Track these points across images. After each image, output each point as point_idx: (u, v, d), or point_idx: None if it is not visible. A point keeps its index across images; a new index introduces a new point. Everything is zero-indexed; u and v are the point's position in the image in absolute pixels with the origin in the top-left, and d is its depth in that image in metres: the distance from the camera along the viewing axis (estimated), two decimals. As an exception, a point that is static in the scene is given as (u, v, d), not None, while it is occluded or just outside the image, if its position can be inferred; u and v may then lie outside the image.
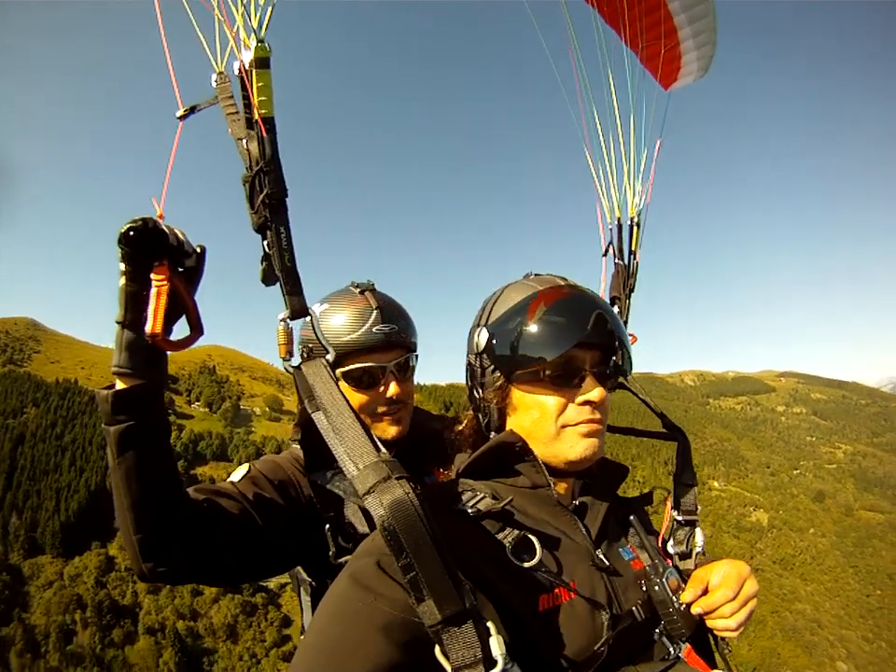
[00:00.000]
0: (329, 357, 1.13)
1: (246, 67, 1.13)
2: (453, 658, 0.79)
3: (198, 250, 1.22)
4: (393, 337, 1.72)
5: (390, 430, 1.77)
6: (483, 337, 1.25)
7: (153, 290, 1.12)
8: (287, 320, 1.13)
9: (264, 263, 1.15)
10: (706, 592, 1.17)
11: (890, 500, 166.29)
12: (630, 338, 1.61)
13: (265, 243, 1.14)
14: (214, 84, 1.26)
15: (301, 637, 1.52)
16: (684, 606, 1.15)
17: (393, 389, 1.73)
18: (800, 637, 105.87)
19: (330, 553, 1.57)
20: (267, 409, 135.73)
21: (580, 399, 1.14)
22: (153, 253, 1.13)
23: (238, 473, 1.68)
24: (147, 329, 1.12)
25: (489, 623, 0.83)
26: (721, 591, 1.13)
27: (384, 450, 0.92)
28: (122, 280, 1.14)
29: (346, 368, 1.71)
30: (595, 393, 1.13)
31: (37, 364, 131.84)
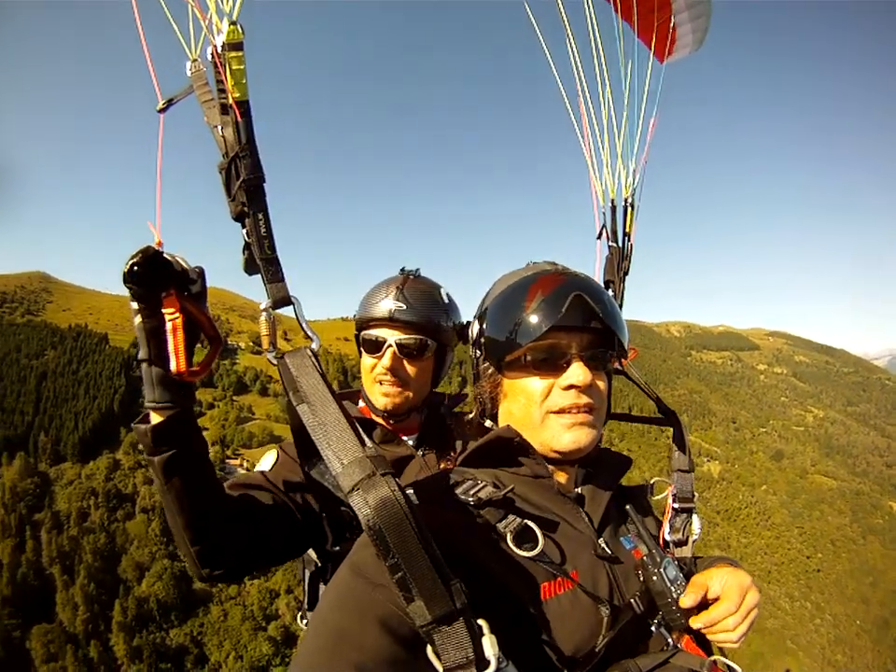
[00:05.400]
0: (315, 345, 1.04)
1: (219, 51, 1.06)
2: (444, 659, 0.74)
3: (198, 272, 1.16)
4: (397, 314, 1.72)
5: (380, 400, 1.78)
6: (474, 328, 1.24)
7: (168, 326, 1.08)
8: (270, 309, 1.06)
9: (246, 252, 1.09)
10: (705, 597, 1.08)
11: (848, 469, 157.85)
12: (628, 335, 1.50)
13: (244, 231, 1.07)
14: (189, 72, 1.17)
15: (304, 623, 1.58)
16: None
17: (387, 361, 1.73)
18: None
19: (328, 542, 1.55)
20: (251, 343, 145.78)
21: (564, 382, 1.06)
22: (160, 284, 1.07)
23: (268, 460, 1.67)
24: (172, 368, 1.08)
25: (481, 622, 0.77)
26: (723, 605, 1.05)
27: (369, 443, 0.87)
28: (138, 319, 1.09)
29: (362, 333, 1.80)
30: (580, 376, 1.05)
31: (51, 313, 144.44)
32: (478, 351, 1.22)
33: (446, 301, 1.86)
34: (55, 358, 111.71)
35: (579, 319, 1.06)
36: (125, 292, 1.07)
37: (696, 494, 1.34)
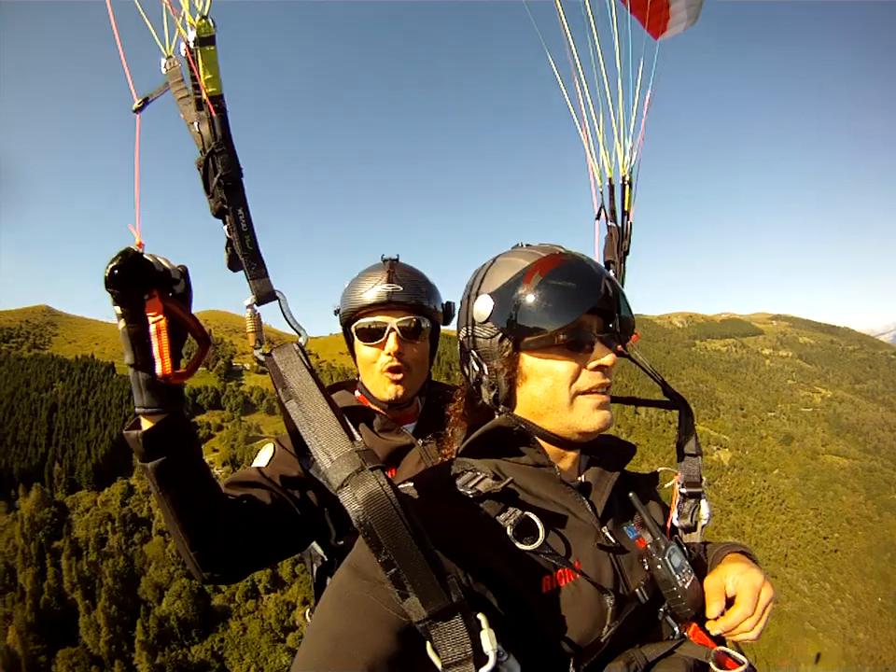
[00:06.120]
0: (302, 339, 1.02)
1: (191, 47, 1.05)
2: (443, 655, 0.73)
3: (181, 271, 1.14)
4: (394, 297, 1.69)
5: (389, 389, 1.73)
6: (485, 305, 1.11)
7: (152, 329, 1.06)
8: (254, 306, 1.03)
9: (228, 249, 1.07)
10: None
11: (860, 446, 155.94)
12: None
13: (225, 227, 1.05)
14: (163, 70, 1.16)
15: (309, 619, 1.59)
16: (691, 588, 1.07)
17: (392, 346, 1.69)
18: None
19: (332, 536, 1.55)
20: (256, 364, 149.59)
21: (592, 364, 1.05)
22: (142, 286, 1.05)
23: (264, 455, 1.64)
24: (158, 371, 1.07)
25: (480, 617, 0.76)
26: (739, 609, 1.04)
27: (359, 438, 0.85)
28: (122, 323, 1.07)
29: (356, 323, 1.75)
30: (608, 357, 1.05)
31: (57, 345, 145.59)
32: (491, 330, 1.11)
33: (431, 282, 1.88)
34: (64, 390, 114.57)
35: (612, 303, 1.07)
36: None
37: (705, 478, 1.31)
